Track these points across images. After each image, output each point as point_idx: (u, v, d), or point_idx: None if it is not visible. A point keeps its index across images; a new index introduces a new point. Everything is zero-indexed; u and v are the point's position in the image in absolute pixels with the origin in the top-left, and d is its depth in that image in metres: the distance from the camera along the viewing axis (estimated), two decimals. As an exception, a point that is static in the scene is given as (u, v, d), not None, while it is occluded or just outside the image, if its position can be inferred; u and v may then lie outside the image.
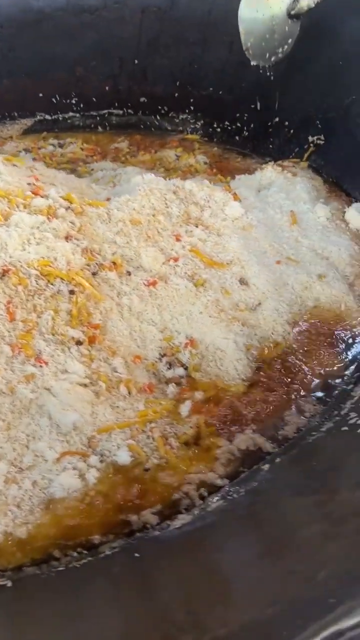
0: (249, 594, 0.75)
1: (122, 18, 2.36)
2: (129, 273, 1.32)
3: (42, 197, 1.33)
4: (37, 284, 1.20)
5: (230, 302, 1.34)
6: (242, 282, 1.38)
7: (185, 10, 2.32)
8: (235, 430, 1.15)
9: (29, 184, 1.40)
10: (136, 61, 2.38)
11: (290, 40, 1.88)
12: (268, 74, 2.17)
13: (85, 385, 1.13)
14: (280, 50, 1.90)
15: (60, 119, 2.40)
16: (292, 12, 1.81)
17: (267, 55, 1.92)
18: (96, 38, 2.38)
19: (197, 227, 1.47)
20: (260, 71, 2.07)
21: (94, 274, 1.28)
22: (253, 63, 1.96)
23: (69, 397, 1.10)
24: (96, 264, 1.29)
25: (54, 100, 2.38)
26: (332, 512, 0.81)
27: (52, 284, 1.21)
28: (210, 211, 1.52)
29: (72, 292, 1.21)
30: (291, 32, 1.87)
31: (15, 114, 2.36)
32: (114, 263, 1.31)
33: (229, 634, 0.66)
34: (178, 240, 1.42)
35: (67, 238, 1.27)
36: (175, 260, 1.37)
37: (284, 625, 0.62)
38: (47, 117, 2.38)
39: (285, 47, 1.89)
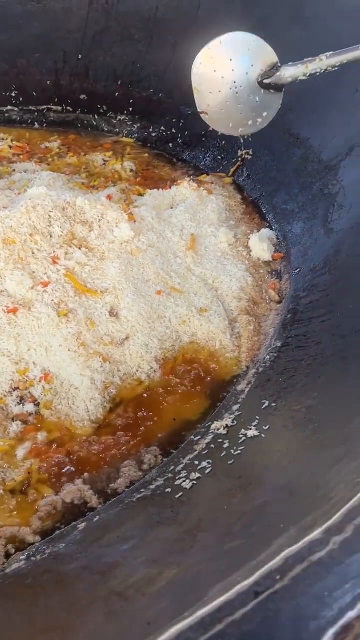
0: None
1: (69, 9, 2.28)
2: (-13, 299, 1.25)
3: None
4: None
5: (95, 335, 1.27)
6: (112, 313, 1.31)
7: (133, 5, 2.23)
8: (66, 479, 1.09)
9: None
10: (80, 56, 2.29)
11: (265, 114, 1.51)
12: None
13: None
14: (250, 122, 1.52)
15: (-2, 112, 2.32)
16: (266, 81, 1.43)
17: (231, 124, 1.54)
18: (41, 29, 2.30)
19: (79, 248, 1.40)
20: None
21: None
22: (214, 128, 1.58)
23: None
24: None
25: (-8, 92, 2.30)
26: (109, 595, 0.75)
27: None
28: (98, 232, 1.44)
29: None
30: (266, 105, 1.48)
31: None
32: (-29, 288, 1.25)
33: None
34: (55, 263, 1.35)
35: None
36: (45, 285, 1.30)
37: None
38: (-16, 110, 2.30)
39: (259, 120, 1.52)
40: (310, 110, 1.80)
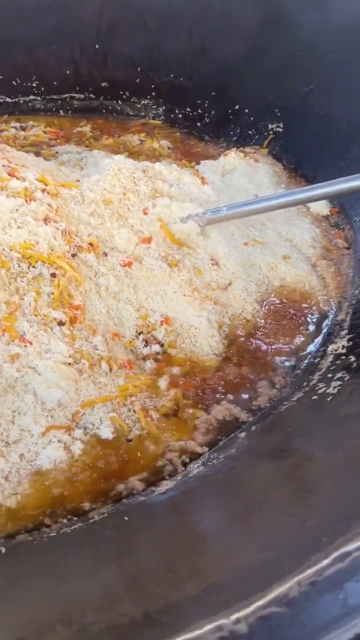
0: (235, 546, 0.82)
1: (82, 2, 2.37)
2: (105, 254, 1.36)
3: (18, 179, 1.35)
4: (19, 267, 1.23)
5: (203, 281, 1.40)
6: (213, 262, 1.44)
7: (146, -5, 2.34)
8: (211, 402, 1.21)
9: (2, 165, 1.42)
10: (97, 46, 2.39)
11: None
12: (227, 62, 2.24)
13: (68, 364, 1.17)
14: None
15: (21, 101, 2.40)
16: None
17: None
18: (55, 21, 2.38)
19: (162, 197, 1.51)
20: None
21: (73, 255, 1.31)
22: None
23: (54, 375, 1.14)
24: (75, 245, 1.32)
25: (14, 82, 2.37)
26: (307, 473, 0.88)
27: (33, 267, 1.24)
28: (178, 190, 1.56)
29: (53, 275, 1.24)
30: None
31: (-25, 97, 2.36)
32: (91, 244, 1.35)
33: (225, 580, 0.73)
34: (145, 213, 1.46)
35: (46, 220, 1.29)
36: (148, 241, 1.42)
37: (284, 562, 0.68)
38: (8, 99, 2.37)
39: None
40: (329, 89, 1.97)
